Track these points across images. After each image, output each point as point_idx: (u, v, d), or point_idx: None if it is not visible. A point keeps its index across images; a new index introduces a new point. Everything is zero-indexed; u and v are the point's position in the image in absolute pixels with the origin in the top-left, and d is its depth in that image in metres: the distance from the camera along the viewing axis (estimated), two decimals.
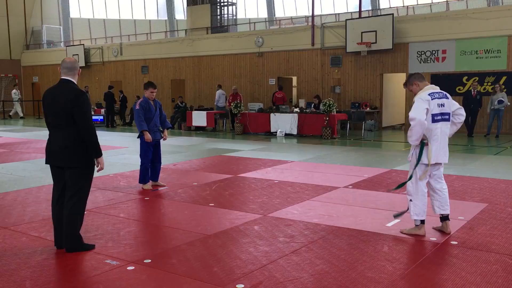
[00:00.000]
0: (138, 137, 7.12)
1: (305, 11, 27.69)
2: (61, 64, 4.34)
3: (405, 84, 4.89)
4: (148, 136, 6.88)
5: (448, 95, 4.74)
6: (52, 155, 4.29)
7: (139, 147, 7.14)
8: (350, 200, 6.28)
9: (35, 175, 8.24)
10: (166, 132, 7.32)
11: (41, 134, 15.64)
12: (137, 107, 6.89)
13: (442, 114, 4.61)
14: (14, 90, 25.66)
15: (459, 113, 4.75)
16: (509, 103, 13.78)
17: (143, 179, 7.10)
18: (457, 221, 5.17)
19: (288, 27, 19.96)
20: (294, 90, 19.84)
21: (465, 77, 15.20)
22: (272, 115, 15.32)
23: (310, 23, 18.64)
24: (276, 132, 15.13)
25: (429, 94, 4.59)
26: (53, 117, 4.25)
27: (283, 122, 15.03)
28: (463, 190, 6.77)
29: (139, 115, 6.87)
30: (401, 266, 3.97)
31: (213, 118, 16.86)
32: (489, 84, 14.64)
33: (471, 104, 13.85)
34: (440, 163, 4.71)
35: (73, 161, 4.21)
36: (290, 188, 7.07)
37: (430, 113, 4.54)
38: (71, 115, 4.15)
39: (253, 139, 14.22)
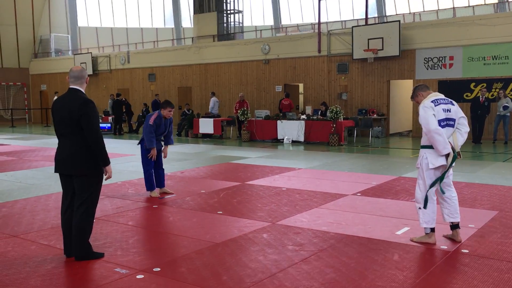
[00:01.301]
0: (138, 144, 7.15)
1: (311, 19, 27.76)
2: (69, 73, 4.39)
3: (412, 97, 4.93)
4: (154, 153, 6.92)
5: (454, 102, 4.73)
6: (61, 163, 4.31)
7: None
8: (359, 208, 6.24)
9: (43, 183, 8.28)
10: (167, 148, 7.29)
11: (49, 142, 15.74)
12: (151, 122, 6.86)
13: (448, 119, 4.60)
14: (56, 98, 25.92)
15: (463, 123, 4.69)
16: None
17: (150, 186, 7.11)
18: (468, 229, 5.12)
19: (294, 34, 20.00)
20: (301, 97, 19.85)
21: (473, 84, 15.14)
22: (279, 122, 15.32)
23: (316, 30, 18.67)
24: (283, 139, 15.12)
25: (432, 101, 4.59)
26: (61, 126, 4.28)
27: (290, 129, 15.02)
28: (473, 198, 6.72)
29: (150, 130, 6.87)
30: (411, 275, 3.93)
31: (220, 125, 16.89)
32: (497, 90, 14.56)
33: (478, 110, 13.78)
34: (448, 170, 4.68)
35: (81, 169, 4.22)
36: (298, 195, 7.05)
37: (436, 119, 4.54)
38: (78, 123, 4.17)
39: (260, 146, 14.22)
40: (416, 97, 4.84)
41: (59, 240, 4.78)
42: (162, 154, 7.24)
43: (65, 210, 4.37)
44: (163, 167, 7.32)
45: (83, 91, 4.36)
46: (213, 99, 18.56)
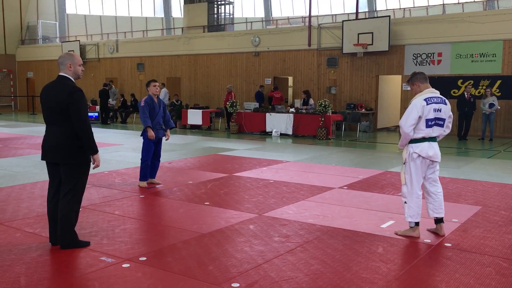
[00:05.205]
0: (141, 135, 7.12)
1: (302, 12, 27.74)
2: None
3: (408, 82, 4.89)
4: (151, 133, 6.89)
5: (446, 100, 4.75)
6: (48, 151, 4.28)
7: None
8: (345, 201, 6.30)
9: (29, 171, 8.20)
10: (168, 131, 7.33)
11: (35, 130, 15.57)
12: (142, 103, 6.93)
13: (437, 119, 4.62)
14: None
15: (447, 125, 4.77)
16: (499, 107, 13.86)
17: (144, 176, 7.09)
18: (451, 223, 5.20)
19: (284, 27, 19.95)
20: (290, 90, 19.86)
21: (460, 80, 15.28)
22: (267, 114, 15.33)
23: (306, 24, 18.67)
24: (271, 132, 15.15)
25: (425, 99, 4.60)
26: (49, 113, 4.25)
27: (279, 122, 15.04)
28: (457, 193, 6.81)
29: (144, 111, 6.91)
30: (395, 267, 3.99)
31: (209, 116, 16.86)
32: (484, 87, 14.71)
33: (465, 107, 13.91)
34: (434, 166, 4.74)
35: (68, 158, 4.19)
36: (285, 188, 7.08)
37: (424, 118, 4.56)
38: (66, 111, 4.14)
39: (248, 139, 14.23)
40: (412, 85, 4.80)
41: (44, 228, 4.75)
42: (165, 136, 7.25)
43: (51, 198, 4.35)
44: (160, 159, 7.33)
45: (72, 79, 4.31)
46: (163, 90, 19.17)
